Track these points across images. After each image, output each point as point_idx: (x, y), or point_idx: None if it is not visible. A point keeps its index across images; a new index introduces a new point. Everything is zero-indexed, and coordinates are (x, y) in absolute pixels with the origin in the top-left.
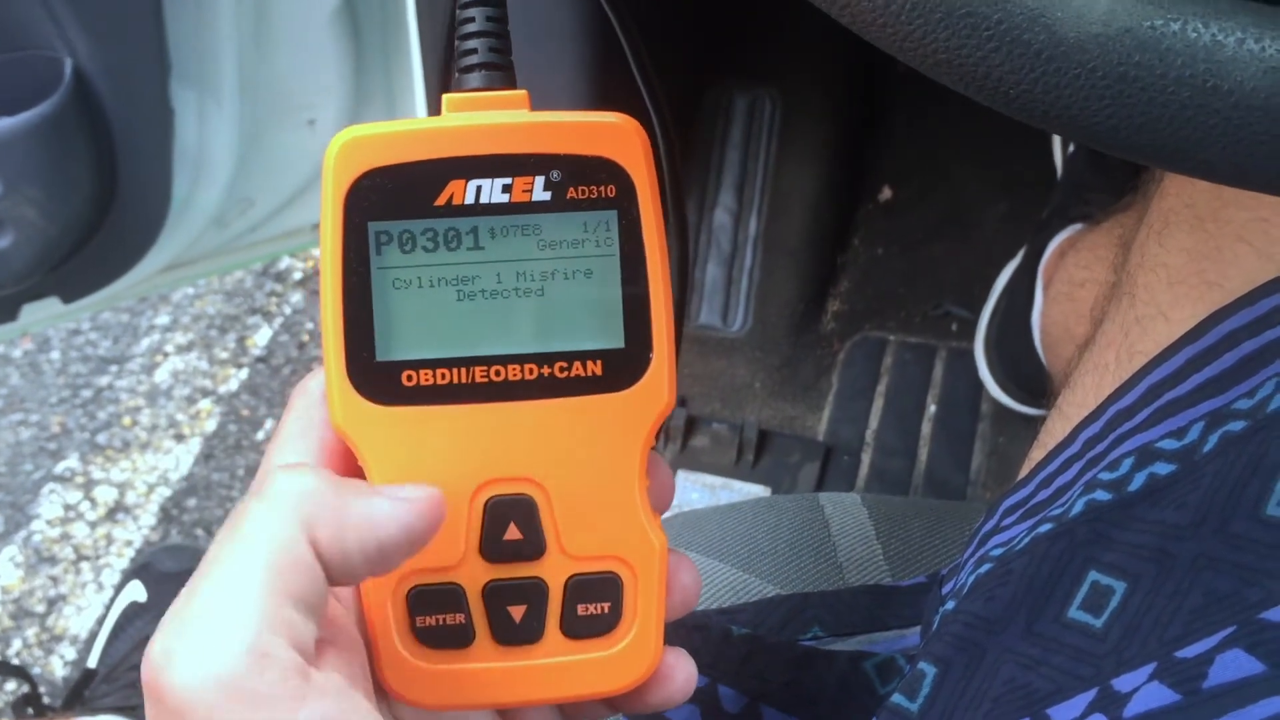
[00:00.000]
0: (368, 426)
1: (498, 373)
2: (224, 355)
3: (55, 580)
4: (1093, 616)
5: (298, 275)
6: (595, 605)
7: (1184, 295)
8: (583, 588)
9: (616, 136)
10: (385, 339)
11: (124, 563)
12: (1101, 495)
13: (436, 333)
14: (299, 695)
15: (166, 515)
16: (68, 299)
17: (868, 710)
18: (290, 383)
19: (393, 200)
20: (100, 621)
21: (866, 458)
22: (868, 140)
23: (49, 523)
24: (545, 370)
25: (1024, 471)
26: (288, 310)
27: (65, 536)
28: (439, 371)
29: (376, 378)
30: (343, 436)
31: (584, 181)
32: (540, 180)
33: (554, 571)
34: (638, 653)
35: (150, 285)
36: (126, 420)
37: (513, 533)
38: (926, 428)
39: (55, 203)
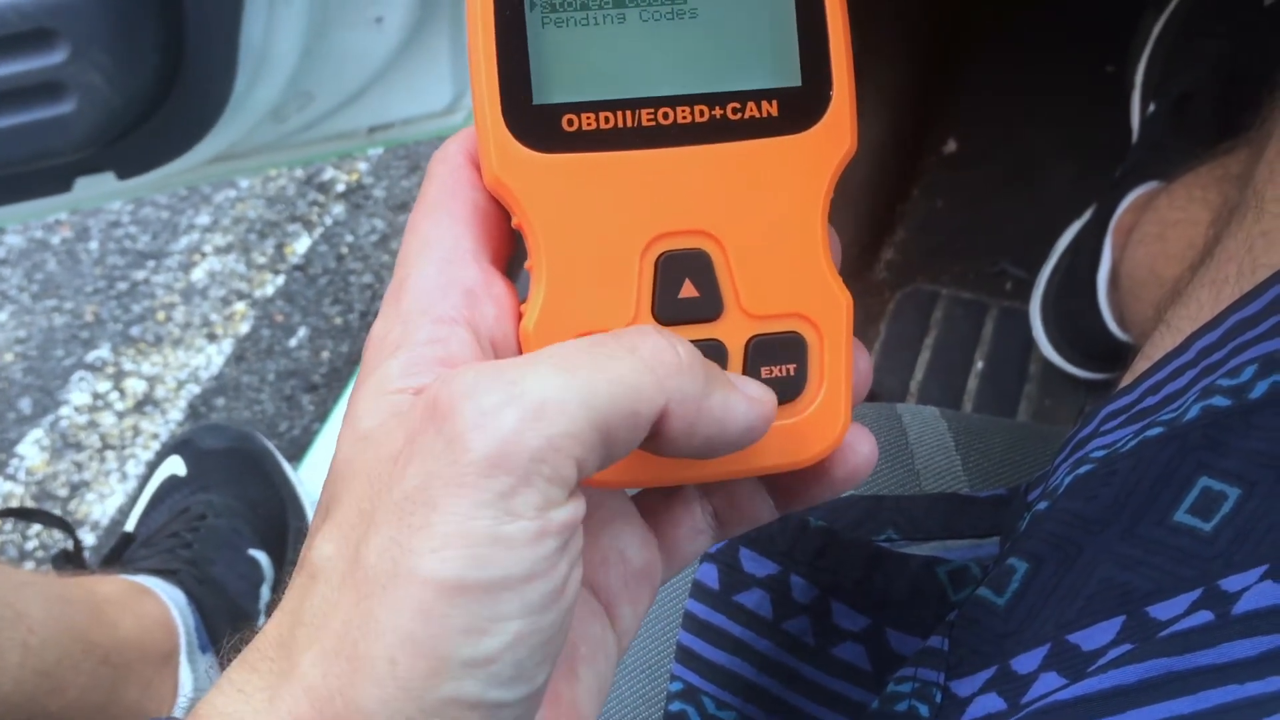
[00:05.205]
0: (529, 177)
1: (665, 115)
2: (262, 260)
3: (79, 466)
4: (1201, 520)
5: (340, 188)
6: (779, 368)
7: None
8: (765, 349)
9: None
10: (542, 79)
11: (149, 455)
12: (1220, 401)
13: (597, 72)
14: None
15: (194, 412)
16: (122, 175)
17: (938, 615)
18: (326, 293)
19: None
20: (139, 488)
21: None
22: (938, 91)
23: (77, 409)
24: (716, 112)
25: (1125, 382)
26: (329, 221)
27: (92, 424)
28: (602, 115)
29: (535, 123)
30: (500, 192)
31: None
32: None
33: (733, 332)
34: (826, 418)
35: (201, 174)
36: (160, 315)
37: (688, 290)
38: (972, 384)
39: (122, 72)
